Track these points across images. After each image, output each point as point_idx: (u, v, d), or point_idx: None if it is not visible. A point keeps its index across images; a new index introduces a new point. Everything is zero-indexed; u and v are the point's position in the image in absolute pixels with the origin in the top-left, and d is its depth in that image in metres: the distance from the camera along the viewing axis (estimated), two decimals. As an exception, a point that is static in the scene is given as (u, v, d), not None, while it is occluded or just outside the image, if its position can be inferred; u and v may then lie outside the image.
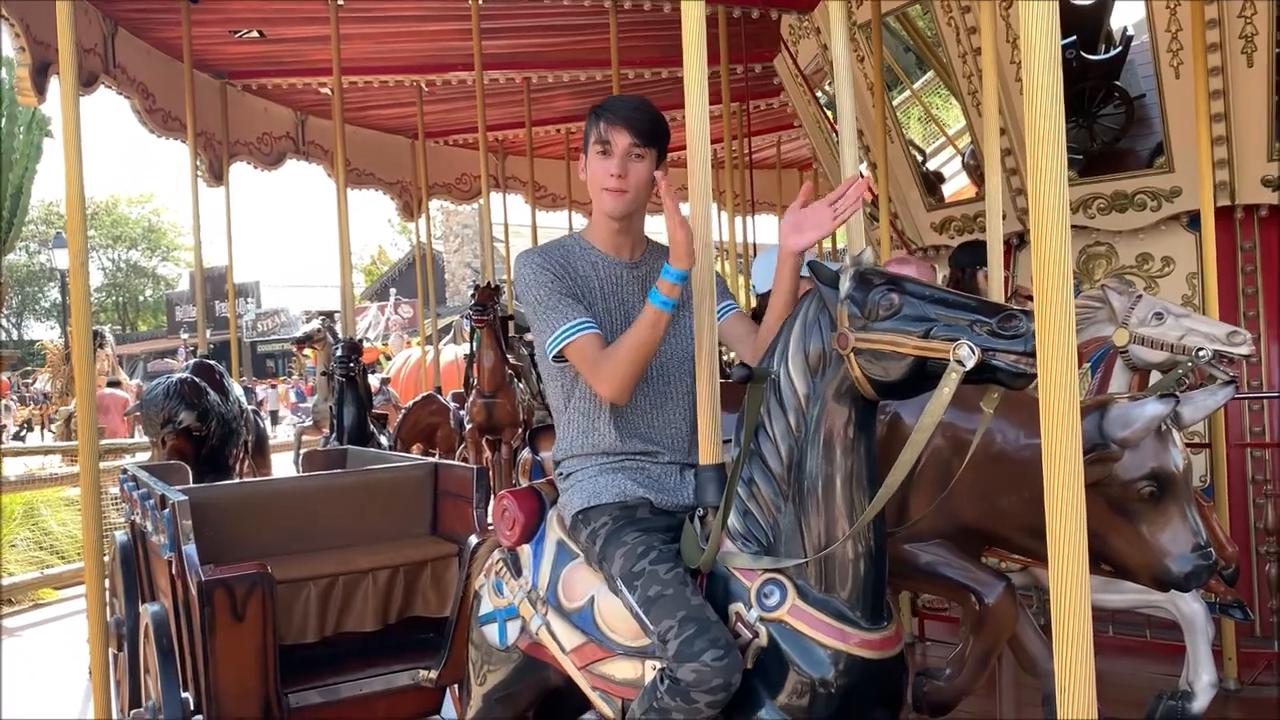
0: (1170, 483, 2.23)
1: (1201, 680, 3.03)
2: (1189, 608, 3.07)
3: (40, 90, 6.64)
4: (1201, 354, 3.32)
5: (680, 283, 2.11)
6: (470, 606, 2.66)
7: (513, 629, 2.47)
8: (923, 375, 1.82)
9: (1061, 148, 1.46)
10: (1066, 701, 1.45)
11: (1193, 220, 4.99)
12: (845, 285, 1.91)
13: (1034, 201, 1.48)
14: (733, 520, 2.07)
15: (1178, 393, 2.42)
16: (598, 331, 2.21)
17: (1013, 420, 2.48)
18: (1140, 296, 3.51)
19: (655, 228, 2.45)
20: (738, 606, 2.02)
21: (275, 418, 26.31)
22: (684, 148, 2.27)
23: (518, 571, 2.48)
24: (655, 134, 2.29)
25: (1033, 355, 1.66)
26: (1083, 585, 1.46)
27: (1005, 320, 1.72)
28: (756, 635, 1.99)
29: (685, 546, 2.14)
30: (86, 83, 7.22)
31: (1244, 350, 3.33)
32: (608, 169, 2.27)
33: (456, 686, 3.54)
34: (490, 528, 2.77)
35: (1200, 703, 3.02)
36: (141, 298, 49.20)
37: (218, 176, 9.22)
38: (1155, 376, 3.56)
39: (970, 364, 1.72)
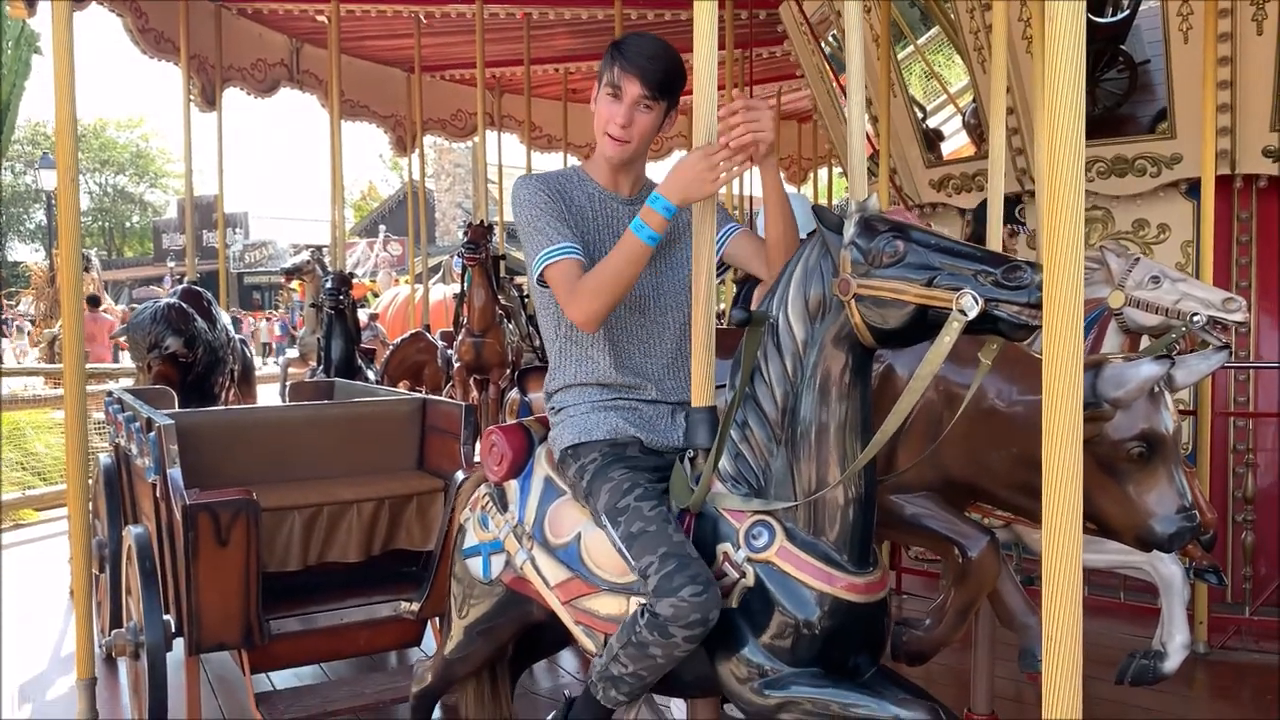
0: (1160, 444, 2.24)
1: (1175, 641, 3.07)
2: (1168, 570, 3.10)
3: (30, 2, 6.49)
4: (1196, 319, 3.32)
5: (669, 216, 2.09)
6: (454, 540, 2.66)
7: (497, 563, 2.47)
8: (923, 323, 1.81)
9: (1080, 109, 1.45)
10: (1053, 651, 1.47)
11: (1191, 188, 4.98)
12: (850, 230, 1.90)
13: (1049, 162, 1.47)
14: (724, 462, 2.08)
15: (1172, 355, 2.43)
16: (580, 258, 2.19)
17: (1005, 376, 2.48)
18: (1138, 259, 3.50)
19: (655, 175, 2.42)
20: (726, 546, 2.03)
21: (268, 350, 26.16)
22: (689, 93, 2.23)
23: (504, 506, 2.49)
24: (669, 86, 2.25)
25: (1036, 307, 1.66)
26: (1075, 541, 1.47)
27: (1010, 271, 1.71)
28: (743, 575, 2.00)
29: (675, 487, 2.14)
30: (78, -1, 7.06)
31: (1238, 317, 3.34)
32: (614, 116, 2.24)
33: (438, 619, 3.57)
34: (478, 463, 2.77)
35: (1172, 663, 3.06)
36: (128, 224, 48.74)
37: (210, 102, 9.07)
38: (1145, 342, 3.57)
39: (973, 313, 1.71)
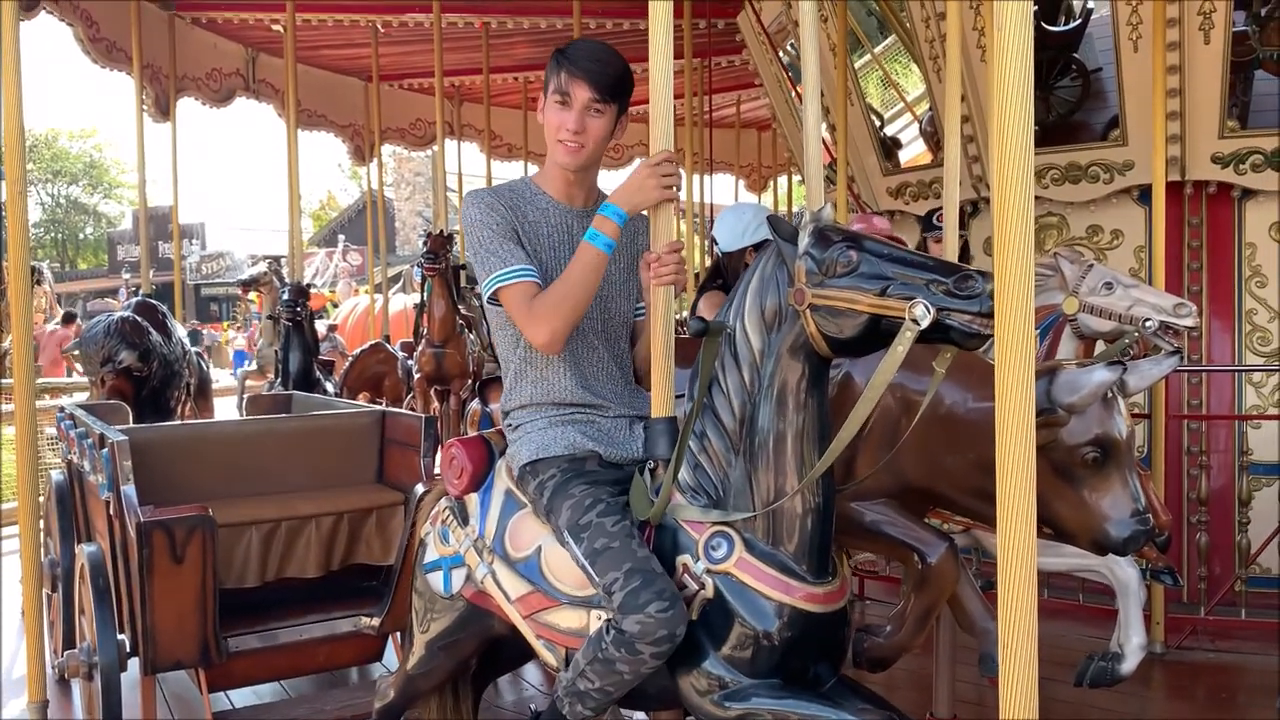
0: (1113, 449, 2.27)
1: (1131, 643, 3.10)
2: (1124, 572, 3.13)
3: (-23, 12, 6.37)
4: (1148, 324, 3.37)
5: (621, 223, 2.12)
6: (415, 555, 2.64)
7: (458, 577, 2.45)
8: (877, 333, 1.82)
9: (1028, 116, 1.47)
10: (1009, 658, 1.48)
11: (1143, 194, 5.05)
12: (804, 241, 1.90)
13: (998, 169, 1.49)
14: (683, 473, 2.07)
15: (1124, 361, 2.45)
16: (535, 280, 2.18)
17: (960, 382, 2.50)
18: (1091, 266, 3.55)
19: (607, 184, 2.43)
20: (685, 558, 2.03)
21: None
22: (646, 102, 2.23)
23: (464, 520, 2.47)
24: (618, 89, 2.24)
25: (988, 316, 1.67)
26: (1029, 546, 1.48)
27: (961, 280, 1.72)
28: (703, 587, 2.00)
29: (634, 499, 2.13)
30: (27, 7, 6.94)
31: (1189, 322, 3.39)
32: (564, 122, 2.23)
33: (399, 634, 3.53)
34: (438, 476, 2.75)
35: (1129, 664, 3.10)
36: (82, 235, 47.93)
37: (164, 112, 8.96)
38: (1100, 347, 3.62)
39: (925, 323, 1.72)
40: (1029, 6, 1.48)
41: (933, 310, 1.72)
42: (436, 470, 3.66)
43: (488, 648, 2.61)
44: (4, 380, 12.31)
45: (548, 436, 2.28)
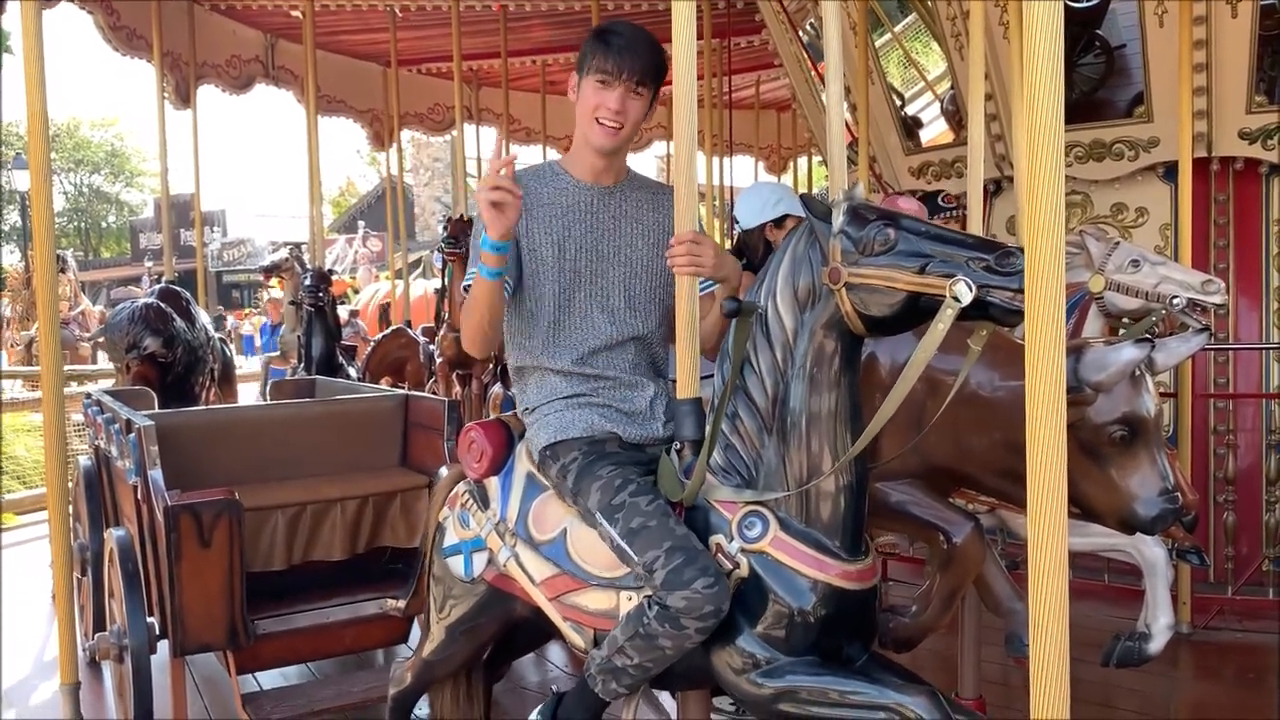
0: (1141, 427, 2.25)
1: (1159, 623, 3.09)
2: (1151, 552, 3.11)
3: (-2, 2, 6.41)
4: (1175, 302, 3.34)
5: (495, 252, 2.11)
6: (432, 539, 2.64)
7: (479, 560, 2.44)
8: (914, 311, 1.82)
9: (1059, 93, 1.45)
10: (1040, 639, 1.47)
11: (1168, 171, 5.00)
12: (839, 219, 1.90)
13: (1029, 146, 1.48)
14: (715, 454, 2.07)
15: (1152, 339, 2.43)
16: (486, 279, 2.17)
17: (986, 361, 2.48)
18: (1117, 243, 3.52)
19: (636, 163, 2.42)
20: (719, 538, 2.03)
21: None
22: (668, 84, 2.21)
23: (485, 504, 2.46)
24: (657, 73, 2.25)
25: None
26: (1060, 526, 1.48)
27: (1003, 257, 1.71)
28: (737, 566, 2.00)
29: (663, 480, 2.13)
30: (47, -4, 6.97)
31: (1217, 299, 3.35)
32: (607, 102, 2.22)
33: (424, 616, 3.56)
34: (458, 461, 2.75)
35: (1156, 644, 3.09)
36: (104, 224, 48.27)
37: (184, 99, 8.98)
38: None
39: (967, 300, 1.72)
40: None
41: (974, 288, 1.71)
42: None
43: (504, 632, 2.60)
44: (31, 367, 12.43)
45: (565, 419, 2.28)
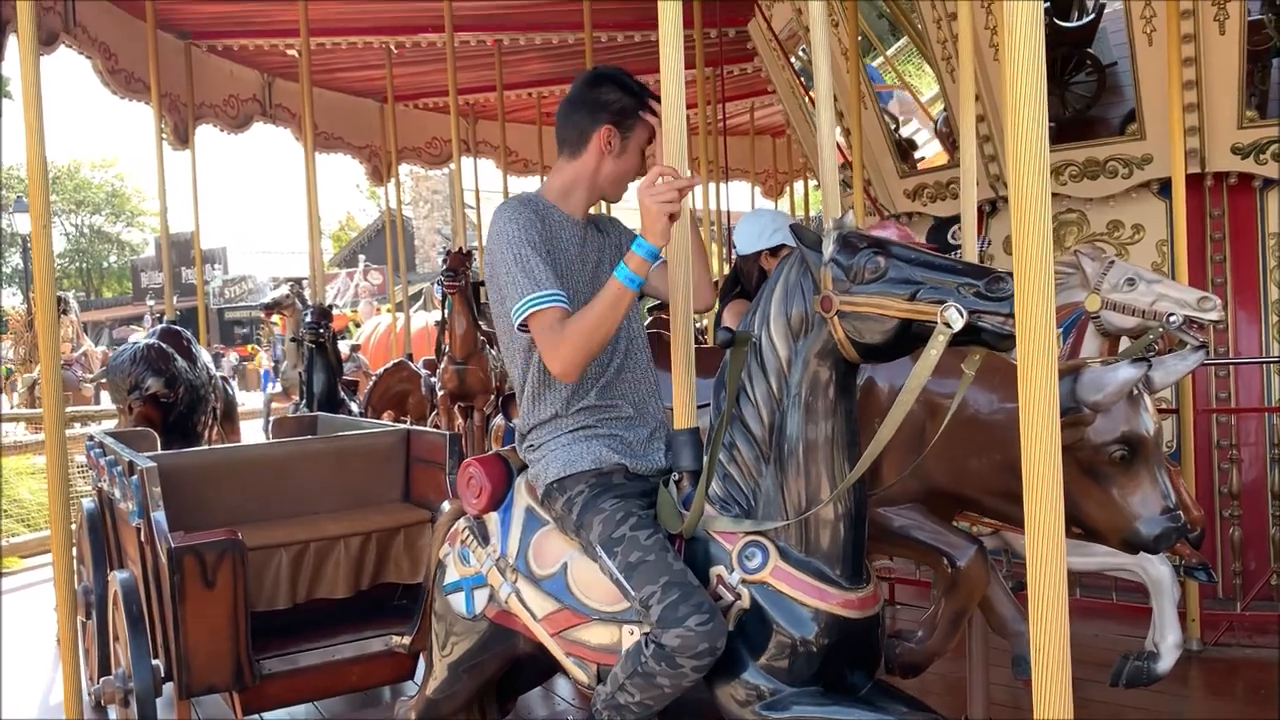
0: (1141, 446, 2.25)
1: (1167, 641, 3.07)
2: (1156, 570, 3.10)
3: (-3, 49, 6.46)
4: (1172, 319, 3.34)
5: (654, 261, 2.05)
6: (433, 576, 2.63)
7: (480, 597, 2.43)
8: (907, 338, 1.82)
9: (1042, 113, 1.47)
10: (1041, 661, 1.47)
11: (1163, 188, 5.01)
12: (829, 248, 1.91)
13: (1014, 167, 1.48)
14: (713, 484, 2.07)
15: (1149, 357, 2.44)
16: (566, 306, 2.11)
17: (984, 384, 2.49)
18: (1112, 262, 3.53)
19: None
20: (719, 569, 2.03)
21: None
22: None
23: (485, 539, 2.45)
24: None
25: None
26: (1059, 549, 1.47)
27: (993, 282, 1.72)
28: (739, 597, 2.00)
29: (662, 511, 2.13)
30: (46, 41, 7.00)
31: (1214, 316, 3.35)
32: (636, 168, 2.30)
33: (430, 652, 3.54)
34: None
35: (1165, 663, 3.07)
36: (106, 264, 48.48)
37: (183, 139, 9.05)
38: (1124, 344, 3.59)
39: (958, 326, 1.72)
40: (1039, 7, 1.48)
41: (965, 313, 1.72)
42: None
43: (509, 667, 2.59)
44: (34, 409, 12.45)
45: (573, 452, 2.26)
